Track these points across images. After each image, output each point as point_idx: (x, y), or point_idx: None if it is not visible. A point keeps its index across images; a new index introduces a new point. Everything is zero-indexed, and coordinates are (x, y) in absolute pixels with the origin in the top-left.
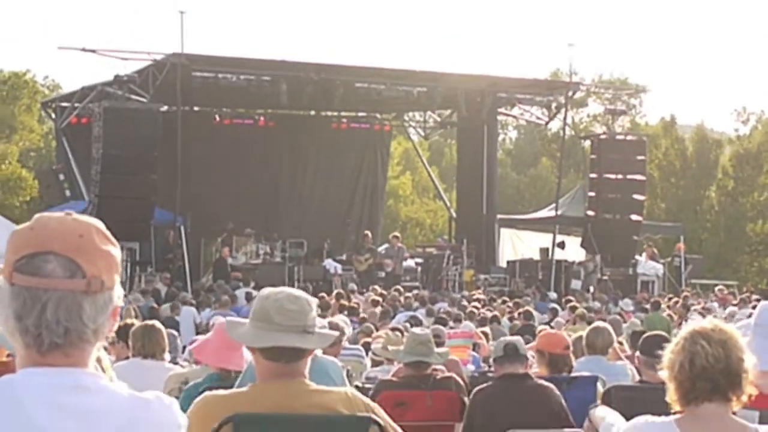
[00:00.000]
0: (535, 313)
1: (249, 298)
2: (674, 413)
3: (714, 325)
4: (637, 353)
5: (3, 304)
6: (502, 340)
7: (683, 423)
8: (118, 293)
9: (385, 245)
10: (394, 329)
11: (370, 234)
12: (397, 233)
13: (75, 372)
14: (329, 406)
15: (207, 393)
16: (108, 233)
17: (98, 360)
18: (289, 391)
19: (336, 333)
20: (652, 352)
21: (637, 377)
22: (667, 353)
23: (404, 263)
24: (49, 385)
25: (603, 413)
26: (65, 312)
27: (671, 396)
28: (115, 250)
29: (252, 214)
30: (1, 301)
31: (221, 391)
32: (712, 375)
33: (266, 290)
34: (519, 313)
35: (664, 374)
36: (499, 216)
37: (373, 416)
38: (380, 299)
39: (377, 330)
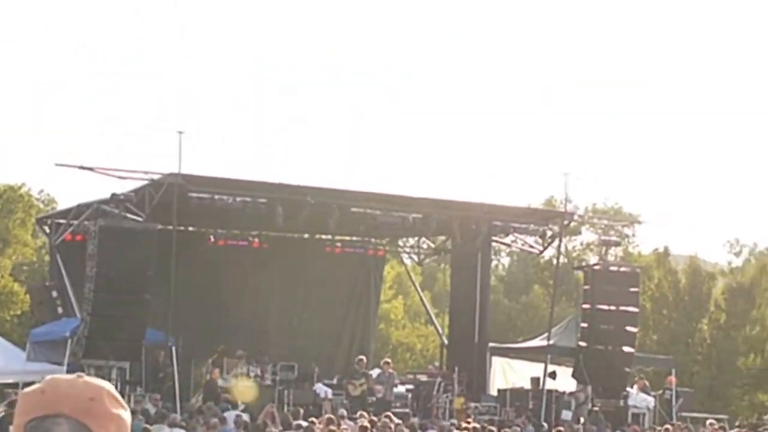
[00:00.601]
0: None
1: (238, 422)
2: None
3: None
4: None
5: None
6: None
7: None
8: None
9: (377, 370)
10: None
11: (364, 359)
12: (388, 359)
13: None
14: None
15: None
16: (119, 397)
17: None
18: None
19: None
20: None
21: None
22: None
23: (395, 389)
24: None
25: None
26: None
27: None
28: (126, 414)
29: (244, 335)
30: None
31: None
32: None
33: None
34: None
35: None
36: (490, 344)
37: None
38: (369, 426)
39: None
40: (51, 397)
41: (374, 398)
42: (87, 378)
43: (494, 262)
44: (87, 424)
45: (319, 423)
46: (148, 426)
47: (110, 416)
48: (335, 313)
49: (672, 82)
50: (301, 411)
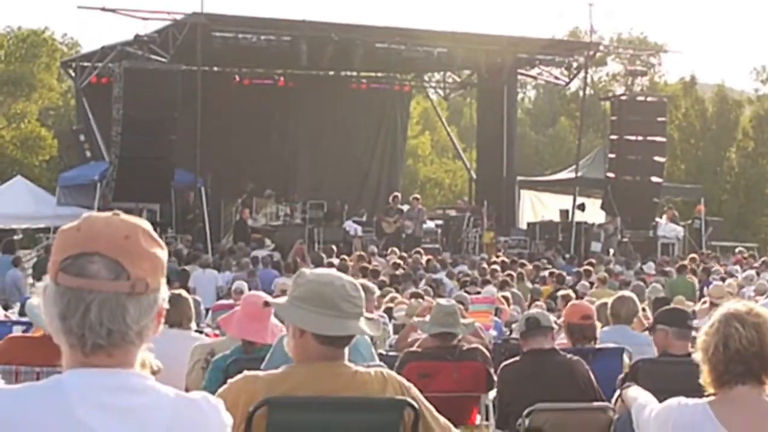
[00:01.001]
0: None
1: (265, 263)
2: (708, 395)
3: (748, 308)
4: (662, 325)
5: (48, 304)
6: (525, 314)
7: (717, 405)
8: (163, 295)
9: (406, 207)
10: (415, 295)
11: (399, 196)
12: (417, 195)
13: (120, 373)
14: (368, 388)
15: (246, 373)
16: (155, 235)
17: (142, 363)
18: (333, 373)
19: (380, 321)
20: (683, 323)
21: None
22: (701, 335)
23: (424, 225)
24: (95, 386)
25: (635, 393)
26: (109, 313)
27: (705, 378)
28: (162, 252)
29: (272, 175)
30: (46, 300)
31: (260, 373)
32: (745, 358)
33: (319, 274)
34: (541, 276)
35: (697, 356)
36: (519, 177)
37: (409, 399)
38: (401, 262)
39: (399, 294)
40: (86, 234)
41: (404, 234)
42: (123, 216)
43: (520, 95)
44: (121, 261)
45: (350, 260)
46: (185, 267)
47: (145, 254)
48: (362, 149)
49: None
50: (334, 248)
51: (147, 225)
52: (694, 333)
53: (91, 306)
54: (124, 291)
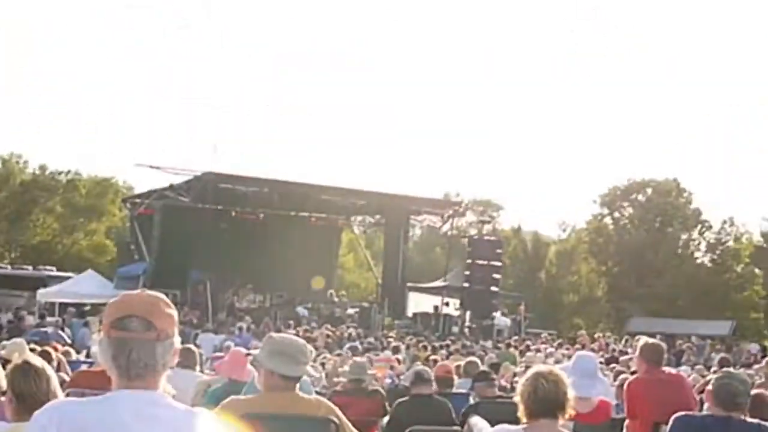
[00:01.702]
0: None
1: (248, 329)
2: (522, 424)
3: (550, 370)
4: (479, 382)
5: (103, 349)
6: (413, 370)
7: (528, 430)
8: (177, 340)
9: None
10: (339, 355)
11: (333, 291)
12: (344, 292)
13: (152, 393)
14: (310, 409)
15: (232, 397)
16: (169, 302)
17: (164, 387)
18: (288, 399)
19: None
20: (488, 378)
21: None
22: (519, 386)
23: (347, 311)
24: (136, 400)
25: (475, 420)
26: (144, 353)
27: (520, 413)
28: (174, 313)
29: (253, 275)
30: (102, 347)
31: (241, 397)
32: (546, 401)
33: (282, 337)
34: (421, 346)
35: (516, 399)
36: (408, 284)
37: (332, 417)
38: (331, 334)
39: (329, 353)
40: (126, 303)
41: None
42: (149, 292)
43: (411, 232)
44: (150, 319)
45: (296, 330)
46: (195, 331)
47: (165, 314)
48: (312, 262)
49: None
50: (291, 323)
51: (163, 297)
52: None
53: (132, 349)
54: (152, 338)
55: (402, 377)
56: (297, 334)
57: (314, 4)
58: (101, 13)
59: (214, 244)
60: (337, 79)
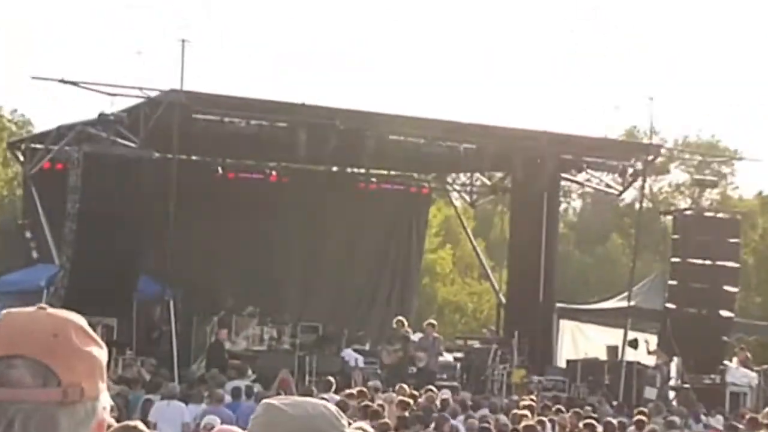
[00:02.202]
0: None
1: (248, 393)
2: None
3: None
4: None
5: None
6: None
7: None
8: (103, 403)
9: (419, 335)
10: None
11: (404, 320)
12: (433, 320)
13: None
14: None
15: None
16: (90, 331)
17: None
18: None
19: None
20: None
21: None
22: None
23: (440, 358)
24: None
25: None
26: (36, 428)
27: None
28: (99, 352)
29: (257, 289)
30: None
31: None
32: None
33: (299, 403)
34: (584, 425)
35: None
36: (558, 305)
37: None
38: (410, 401)
39: None
40: (6, 334)
41: (414, 368)
42: (50, 310)
43: (563, 205)
44: (49, 365)
45: (348, 399)
46: (147, 397)
47: (79, 354)
48: (369, 264)
49: None
50: (333, 381)
51: (81, 320)
52: None
53: (14, 421)
54: (54, 400)
55: None
56: (345, 405)
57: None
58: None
59: (183, 230)
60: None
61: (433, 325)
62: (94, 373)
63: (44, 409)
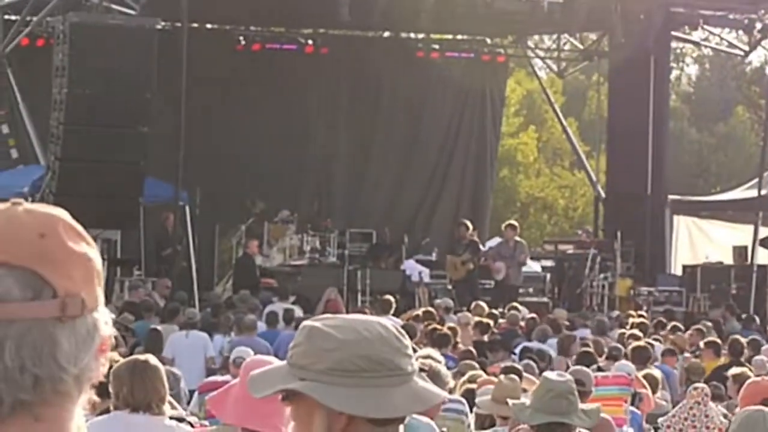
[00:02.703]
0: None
1: (287, 319)
2: None
3: None
4: None
5: None
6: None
7: None
8: (104, 316)
9: (496, 240)
10: (510, 371)
11: (468, 224)
12: (513, 221)
13: None
14: None
15: None
16: (79, 227)
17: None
18: None
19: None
20: None
21: None
22: None
23: (523, 268)
24: None
25: None
26: (32, 352)
27: None
28: (93, 252)
29: (293, 189)
30: None
31: None
32: None
33: (351, 323)
34: (706, 344)
35: None
36: (671, 197)
37: None
38: (490, 323)
39: (485, 370)
40: None
41: (494, 282)
42: (28, 205)
43: (676, 72)
44: (39, 271)
45: (410, 317)
46: (159, 327)
47: (73, 256)
48: (432, 153)
49: None
50: (392, 301)
51: (66, 214)
52: None
53: (4, 344)
54: (51, 315)
55: (662, 420)
56: (413, 330)
57: None
58: None
59: (199, 119)
60: None
61: (513, 227)
62: (92, 279)
63: (39, 326)
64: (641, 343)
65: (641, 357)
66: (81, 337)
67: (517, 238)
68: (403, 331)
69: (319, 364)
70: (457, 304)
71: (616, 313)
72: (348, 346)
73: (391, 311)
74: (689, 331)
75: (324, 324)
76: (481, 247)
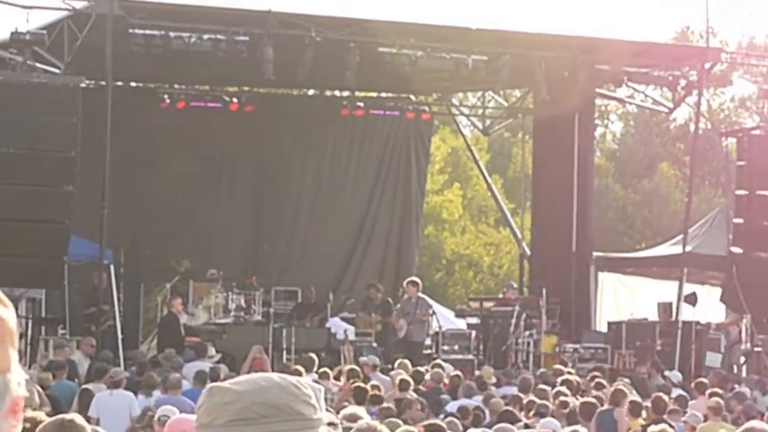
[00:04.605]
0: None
1: (213, 377)
2: None
3: None
4: None
5: None
6: None
7: None
8: (17, 377)
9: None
10: (432, 428)
11: (379, 285)
12: (414, 278)
13: None
14: None
15: None
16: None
17: None
18: None
19: None
20: None
21: None
22: None
23: (449, 325)
24: None
25: None
26: None
27: None
28: (6, 312)
29: (219, 248)
30: None
31: None
32: None
33: (248, 381)
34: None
35: None
36: (596, 254)
37: None
38: (412, 380)
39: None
40: None
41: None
42: None
43: (600, 130)
44: None
45: (335, 375)
46: (86, 387)
47: None
48: (358, 212)
49: None
50: (314, 358)
51: None
52: None
53: None
54: None
55: None
56: (358, 391)
57: None
58: None
59: (124, 177)
60: None
61: (414, 284)
62: (3, 339)
63: None
64: (589, 398)
65: (588, 413)
66: None
67: (420, 295)
68: (305, 383)
69: (220, 418)
70: (383, 361)
71: (542, 370)
72: (246, 396)
73: (314, 368)
74: (613, 388)
75: (224, 382)
76: (392, 307)
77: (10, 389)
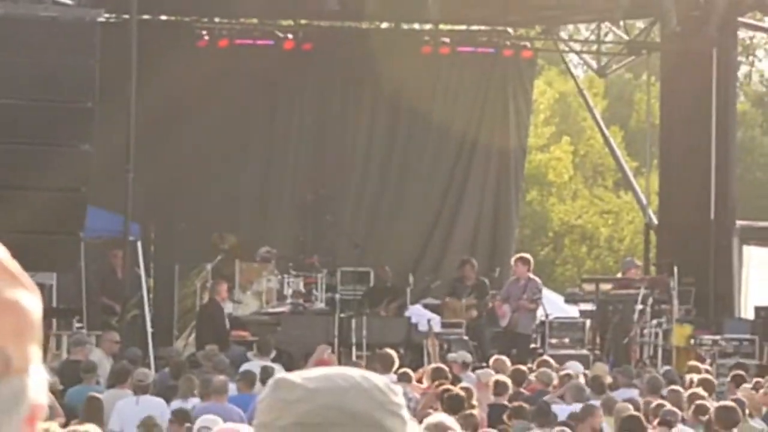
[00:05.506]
0: None
1: (267, 379)
2: None
3: None
4: None
5: None
6: None
7: None
8: (37, 380)
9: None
10: None
11: (474, 261)
12: (524, 254)
13: None
14: None
15: None
16: (15, 267)
17: None
18: None
19: None
20: None
21: None
22: None
23: (559, 313)
24: None
25: None
26: None
27: None
28: (30, 300)
29: (270, 219)
30: None
31: None
32: None
33: (324, 376)
34: None
35: None
36: (740, 223)
37: None
38: (511, 380)
39: None
40: None
41: (498, 329)
42: None
43: (744, 68)
44: None
45: (418, 377)
46: (96, 395)
47: (1, 304)
48: (443, 170)
49: None
50: (394, 356)
51: (2, 250)
52: None
53: None
54: None
55: None
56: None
57: None
58: None
59: (153, 133)
60: None
61: (525, 261)
62: (23, 332)
63: None
64: (729, 402)
65: (728, 420)
66: (2, 403)
67: (531, 275)
68: (395, 388)
69: (283, 418)
70: (476, 357)
71: (670, 367)
72: (317, 396)
73: (394, 368)
74: (762, 390)
75: (296, 375)
76: (488, 289)
77: (26, 392)
